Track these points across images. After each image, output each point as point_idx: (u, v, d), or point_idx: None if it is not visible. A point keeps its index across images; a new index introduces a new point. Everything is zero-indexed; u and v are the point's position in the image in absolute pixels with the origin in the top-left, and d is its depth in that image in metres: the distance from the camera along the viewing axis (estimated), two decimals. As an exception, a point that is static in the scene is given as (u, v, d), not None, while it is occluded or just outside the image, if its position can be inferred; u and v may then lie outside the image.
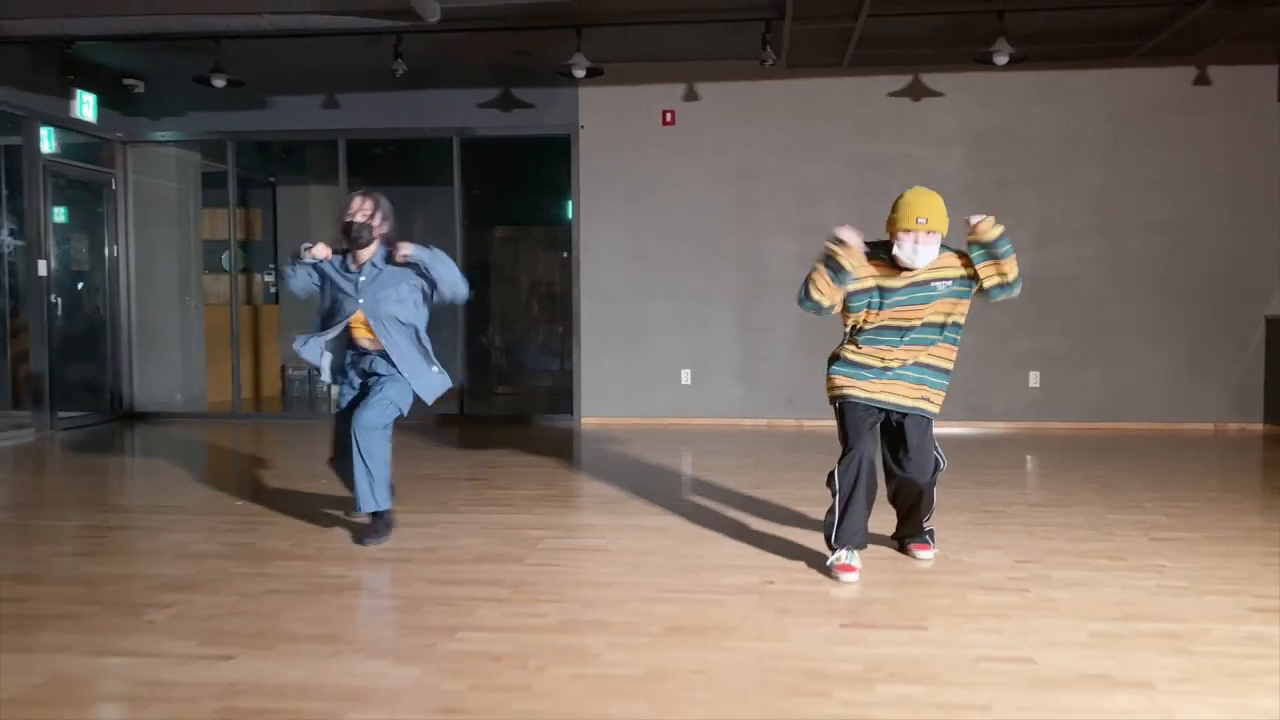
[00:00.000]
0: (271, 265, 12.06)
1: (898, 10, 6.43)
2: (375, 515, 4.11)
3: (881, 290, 3.65)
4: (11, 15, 5.65)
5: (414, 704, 2.49)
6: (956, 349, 3.75)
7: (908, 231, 3.55)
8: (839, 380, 3.76)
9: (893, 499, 3.93)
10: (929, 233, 3.55)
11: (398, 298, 4.07)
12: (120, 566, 3.80)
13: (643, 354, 8.28)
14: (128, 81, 8.45)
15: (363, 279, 4.06)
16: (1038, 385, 7.99)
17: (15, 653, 2.87)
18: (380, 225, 4.09)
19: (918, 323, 3.64)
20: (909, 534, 3.96)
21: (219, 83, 7.13)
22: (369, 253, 4.09)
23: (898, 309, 3.64)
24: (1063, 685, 2.59)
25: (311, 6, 5.38)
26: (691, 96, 8.14)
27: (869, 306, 3.68)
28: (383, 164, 10.53)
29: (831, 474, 3.71)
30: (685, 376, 8.26)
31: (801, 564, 3.77)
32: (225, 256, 11.32)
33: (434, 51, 7.53)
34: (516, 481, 5.59)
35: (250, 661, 2.78)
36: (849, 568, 3.60)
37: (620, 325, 8.30)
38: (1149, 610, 3.21)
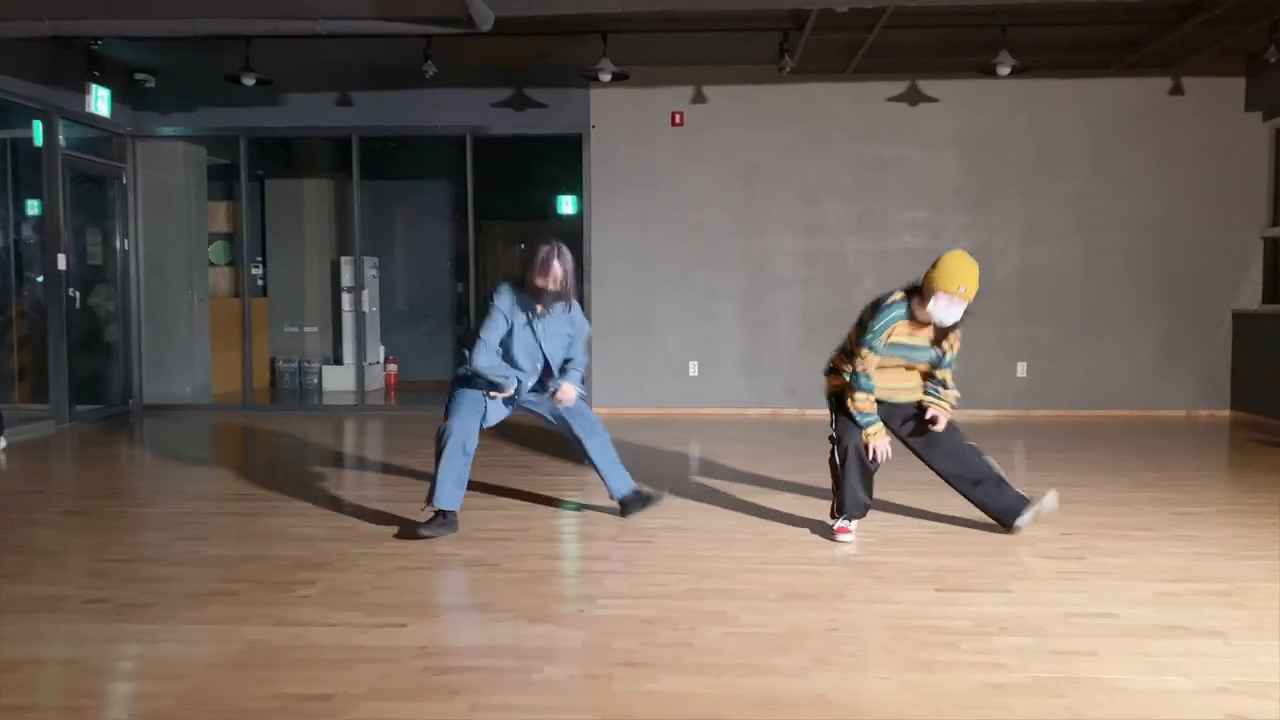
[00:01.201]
0: (259, 259, 12.13)
1: (909, 23, 6.84)
2: (441, 512, 4.24)
3: (897, 347, 4.06)
4: (62, 15, 5.74)
5: (597, 659, 2.80)
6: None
7: (947, 294, 3.88)
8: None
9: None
10: (963, 300, 3.91)
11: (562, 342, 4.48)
12: (240, 549, 4.03)
13: (652, 346, 8.61)
14: (139, 76, 8.51)
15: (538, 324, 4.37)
16: (1024, 375, 8.51)
17: (199, 624, 3.10)
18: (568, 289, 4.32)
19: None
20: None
21: (249, 81, 7.26)
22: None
23: (900, 358, 4.10)
24: (1149, 634, 3.00)
25: (368, 12, 5.59)
26: (699, 99, 8.48)
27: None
28: (385, 159, 10.70)
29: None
30: (693, 368, 8.62)
31: (871, 539, 4.14)
32: (213, 249, 11.40)
33: (453, 52, 7.75)
34: (562, 469, 5.88)
35: (424, 627, 3.06)
36: (845, 530, 4.13)
37: (630, 318, 8.62)
38: (1196, 573, 3.65)
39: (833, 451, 4.17)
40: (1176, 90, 8.28)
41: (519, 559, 3.87)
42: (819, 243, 8.50)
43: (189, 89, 8.62)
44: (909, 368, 4.14)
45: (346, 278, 11.61)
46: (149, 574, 3.67)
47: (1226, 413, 8.38)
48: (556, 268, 4.21)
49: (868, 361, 4.00)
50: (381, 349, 11.82)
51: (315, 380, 11.58)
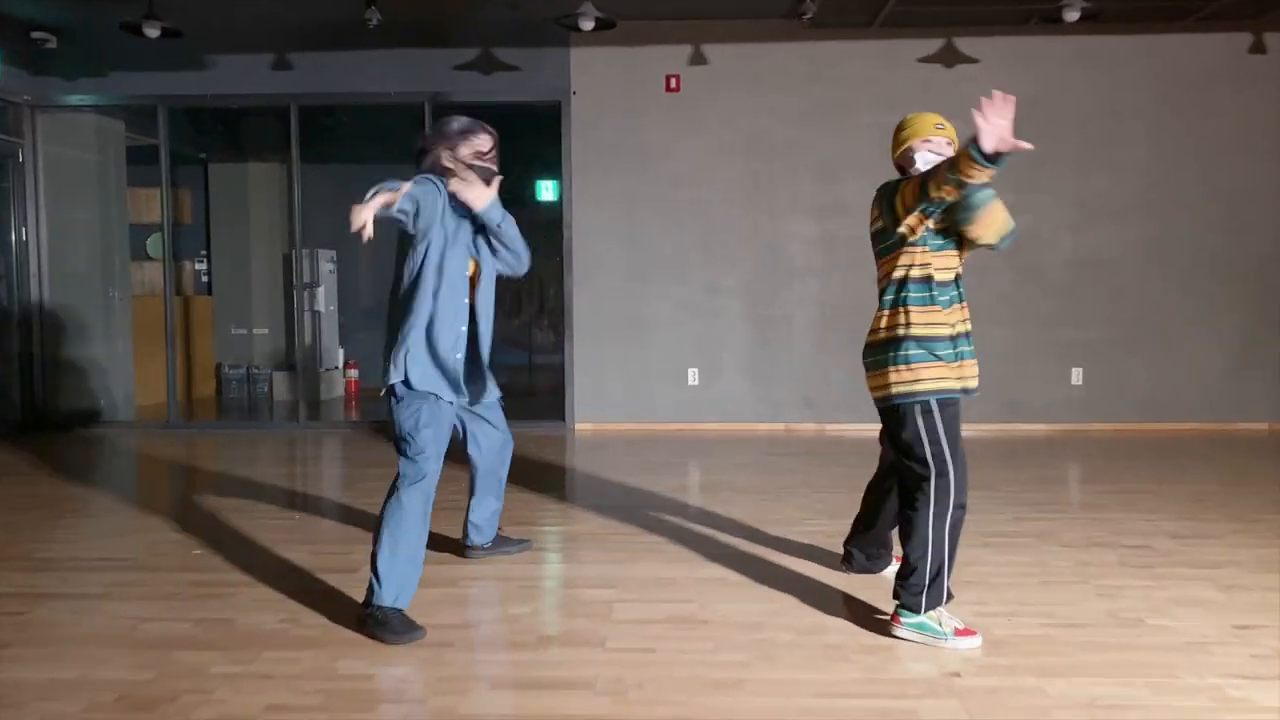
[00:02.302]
0: (203, 252, 10.83)
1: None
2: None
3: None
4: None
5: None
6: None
7: (927, 140, 3.04)
8: (923, 369, 2.89)
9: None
10: (949, 142, 3.04)
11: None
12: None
13: (644, 350, 7.36)
14: (37, 35, 7.19)
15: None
16: (1079, 383, 7.29)
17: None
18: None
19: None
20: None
21: (152, 32, 5.98)
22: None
23: (943, 252, 2.97)
24: None
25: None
26: (699, 60, 7.21)
27: (939, 248, 2.96)
28: (341, 138, 9.41)
29: (918, 516, 2.87)
30: (692, 376, 7.36)
31: (948, 644, 2.91)
32: (150, 242, 10.09)
33: (405, 3, 6.48)
34: (532, 511, 4.63)
35: None
36: (969, 631, 2.88)
37: (617, 317, 7.36)
38: None
39: (923, 493, 2.87)
40: (1258, 48, 7.06)
41: (453, 687, 2.61)
42: (838, 227, 7.24)
43: (97, 50, 7.31)
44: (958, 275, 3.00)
45: (301, 274, 10.36)
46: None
47: (1314, 424, 7.20)
48: (491, 139, 3.22)
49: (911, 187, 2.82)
50: (340, 353, 10.55)
51: (265, 389, 10.32)
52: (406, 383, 3.01)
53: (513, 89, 7.32)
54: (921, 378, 2.89)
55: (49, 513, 4.68)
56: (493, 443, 3.59)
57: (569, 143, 7.31)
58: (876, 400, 3.01)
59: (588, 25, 5.95)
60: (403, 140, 10.37)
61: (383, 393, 3.08)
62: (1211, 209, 7.15)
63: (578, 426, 7.37)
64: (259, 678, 2.66)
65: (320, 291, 10.26)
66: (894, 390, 2.92)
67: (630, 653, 2.83)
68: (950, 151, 2.98)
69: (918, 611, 2.88)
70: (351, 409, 9.32)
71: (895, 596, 2.94)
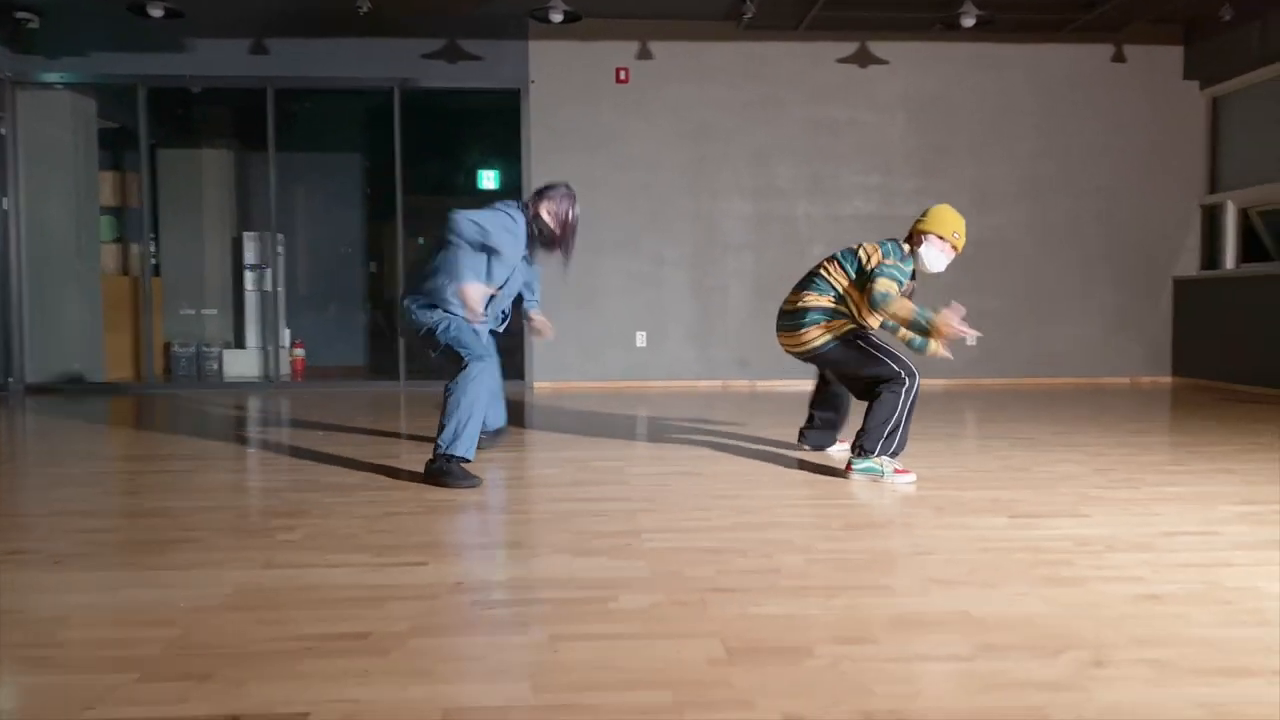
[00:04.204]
0: (152, 235, 11.16)
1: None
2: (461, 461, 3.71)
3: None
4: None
5: (678, 587, 2.34)
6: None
7: (940, 237, 3.88)
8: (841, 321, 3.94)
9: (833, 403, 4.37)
10: (953, 249, 3.94)
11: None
12: (186, 501, 3.40)
13: (597, 316, 8.15)
14: (21, 15, 7.61)
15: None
16: (974, 344, 8.34)
17: (164, 570, 2.51)
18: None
19: None
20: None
21: (156, 12, 6.52)
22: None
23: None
24: (1256, 547, 2.71)
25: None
26: (645, 55, 8.07)
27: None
28: (289, 128, 9.93)
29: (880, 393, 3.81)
30: (640, 338, 8.19)
31: (888, 480, 3.80)
32: (105, 222, 10.41)
33: (384, -6, 7.17)
34: (530, 434, 5.38)
35: (449, 565, 2.55)
36: (905, 470, 3.77)
37: (574, 288, 8.13)
38: (1263, 496, 3.41)
39: (895, 388, 3.78)
40: (1119, 58, 8.29)
41: (527, 503, 3.37)
42: (770, 207, 8.20)
43: (80, 30, 7.75)
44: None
45: (250, 255, 10.80)
46: (83, 525, 3.03)
47: (1169, 379, 8.43)
48: (574, 209, 3.93)
49: (898, 298, 3.76)
50: (287, 332, 11.01)
51: (215, 366, 10.70)
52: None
53: (476, 77, 8.05)
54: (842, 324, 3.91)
55: (82, 434, 5.20)
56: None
57: (528, 128, 8.07)
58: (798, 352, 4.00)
59: (557, 17, 6.74)
60: (351, 133, 10.99)
61: (426, 331, 3.77)
62: (1086, 198, 8.33)
63: (536, 385, 8.11)
64: (364, 502, 3.36)
65: (269, 273, 10.74)
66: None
67: (650, 487, 3.63)
68: (950, 255, 3.95)
69: (872, 453, 3.74)
70: (298, 382, 9.76)
71: (854, 447, 3.80)
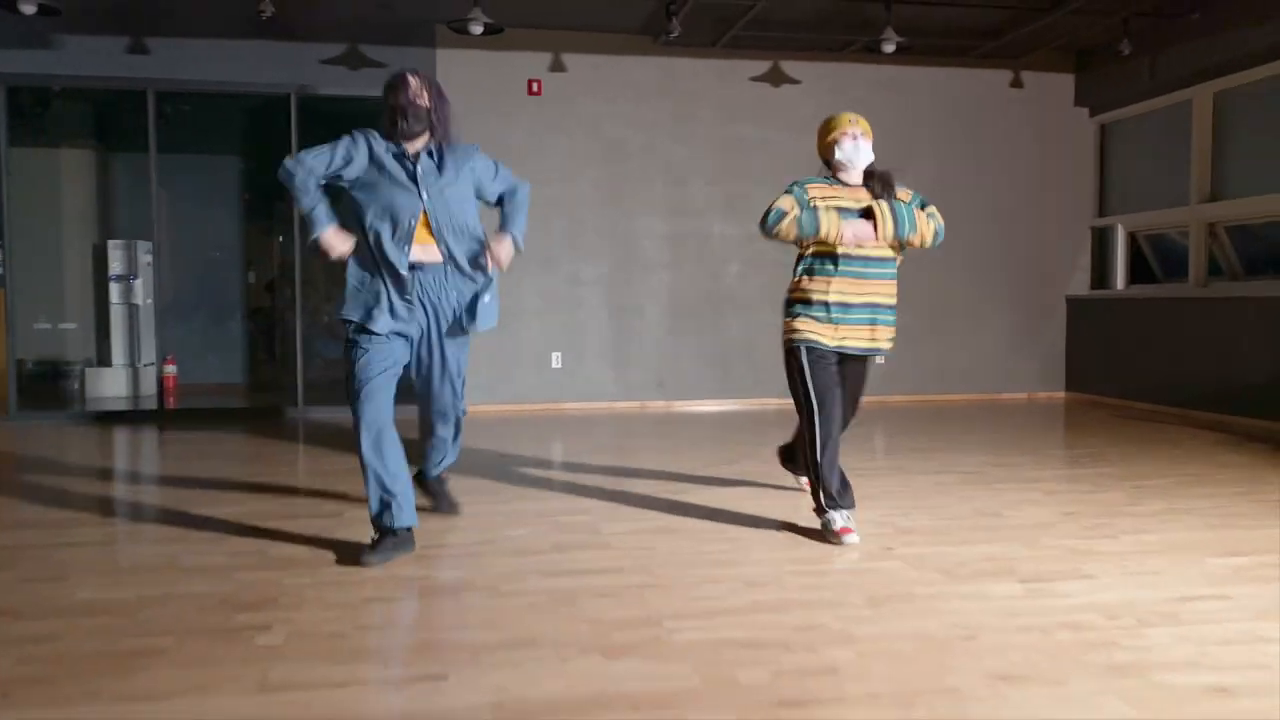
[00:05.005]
0: None
1: (802, -8, 6.56)
2: (391, 531, 3.32)
3: (841, 210, 3.63)
4: None
5: (743, 700, 2.16)
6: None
7: (844, 132, 3.67)
8: (802, 325, 3.66)
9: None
10: (864, 132, 3.69)
11: (461, 197, 3.45)
12: (125, 589, 3.00)
13: (510, 336, 7.85)
14: None
15: (420, 169, 3.39)
16: (881, 361, 8.47)
17: (141, 701, 2.16)
18: (440, 109, 3.45)
19: (874, 251, 3.69)
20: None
21: (28, 8, 5.85)
22: (421, 142, 3.44)
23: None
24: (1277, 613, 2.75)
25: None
26: (558, 67, 7.82)
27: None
28: (171, 123, 9.21)
29: (789, 446, 3.64)
30: (556, 359, 7.94)
31: (882, 529, 3.72)
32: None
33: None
34: (485, 464, 5.08)
35: (473, 678, 2.29)
36: (849, 530, 3.55)
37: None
38: (1242, 545, 3.49)
39: (801, 418, 3.63)
40: (1016, 83, 8.55)
41: (517, 578, 3.11)
42: (685, 226, 8.08)
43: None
44: (867, 256, 3.66)
45: (116, 265, 10.00)
46: (18, 632, 2.61)
47: (1062, 394, 8.76)
48: (414, 82, 3.42)
49: (783, 199, 3.60)
50: (154, 345, 10.25)
51: (76, 386, 9.86)
52: None
53: (378, 85, 7.59)
54: (796, 329, 3.68)
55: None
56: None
57: (436, 139, 7.68)
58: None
59: (477, 29, 6.41)
60: (226, 134, 10.28)
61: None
62: (986, 217, 8.56)
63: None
64: (331, 584, 3.04)
65: (138, 284, 10.00)
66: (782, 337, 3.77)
67: (636, 550, 3.43)
68: (868, 147, 3.73)
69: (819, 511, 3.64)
70: (170, 404, 9.06)
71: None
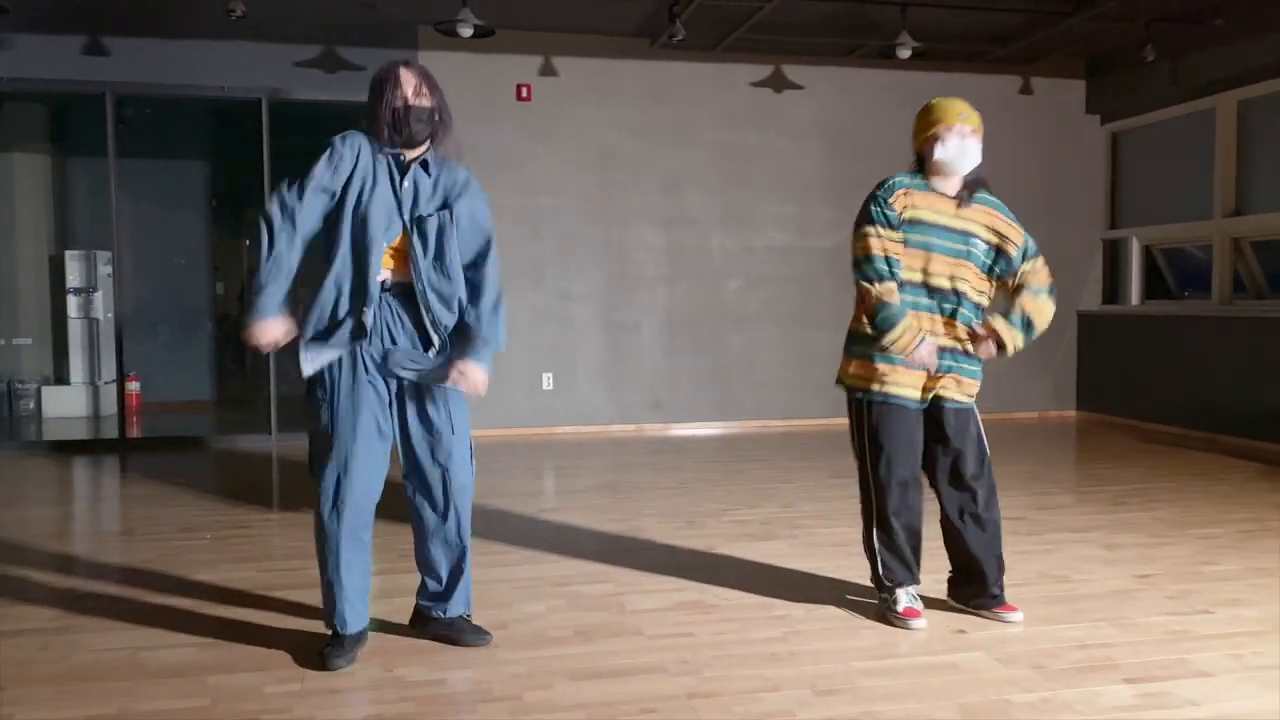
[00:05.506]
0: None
1: (814, -7, 6.14)
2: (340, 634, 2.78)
3: (916, 225, 3.03)
4: None
5: None
6: None
7: (949, 126, 3.04)
8: (881, 368, 3.05)
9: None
10: (974, 129, 3.07)
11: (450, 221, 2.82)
12: (63, 709, 2.51)
13: (499, 356, 7.32)
14: None
15: (405, 185, 2.80)
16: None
17: None
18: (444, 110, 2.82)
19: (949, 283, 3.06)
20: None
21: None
22: (420, 150, 2.83)
23: (943, 256, 3.04)
24: None
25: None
26: (549, 71, 7.35)
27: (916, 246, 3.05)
28: (132, 127, 8.64)
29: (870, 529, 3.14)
30: (547, 380, 7.47)
31: (948, 612, 3.31)
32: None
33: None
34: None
35: None
36: (915, 612, 3.06)
37: (472, 325, 7.32)
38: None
39: (863, 479, 3.13)
40: (1026, 89, 8.19)
41: (545, 682, 2.65)
42: (683, 237, 7.63)
43: None
44: (951, 280, 3.04)
45: (74, 277, 9.41)
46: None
47: (1074, 413, 8.42)
48: (412, 77, 2.77)
49: (875, 241, 3.00)
50: (114, 363, 9.67)
51: (31, 405, 9.27)
52: None
53: (357, 89, 7.07)
54: (851, 373, 3.15)
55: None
56: None
57: (418, 147, 7.19)
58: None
59: (466, 31, 5.93)
60: (196, 136, 9.71)
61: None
62: (994, 228, 8.18)
63: (430, 435, 7.26)
64: (322, 693, 2.57)
65: (97, 297, 9.44)
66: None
67: (672, 638, 2.98)
68: (977, 146, 3.08)
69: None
70: (133, 425, 8.47)
71: None
